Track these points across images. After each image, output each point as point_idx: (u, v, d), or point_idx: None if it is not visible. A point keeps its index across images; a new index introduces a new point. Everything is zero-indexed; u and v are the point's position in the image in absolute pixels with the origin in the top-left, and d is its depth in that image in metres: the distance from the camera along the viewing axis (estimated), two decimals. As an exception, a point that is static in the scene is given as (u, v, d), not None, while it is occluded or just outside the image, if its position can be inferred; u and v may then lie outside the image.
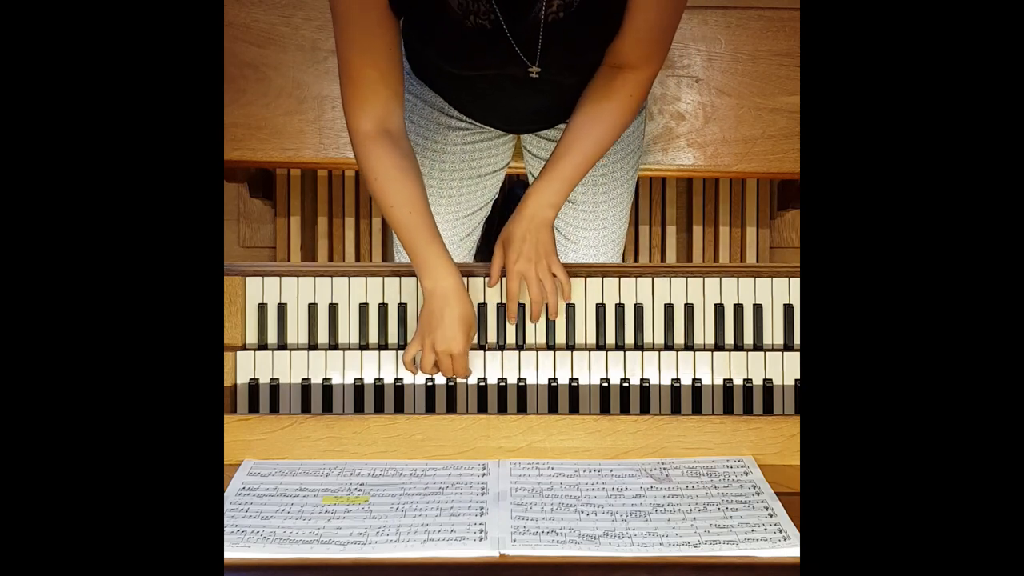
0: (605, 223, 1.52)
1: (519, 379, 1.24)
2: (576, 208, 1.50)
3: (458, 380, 1.24)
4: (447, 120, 1.41)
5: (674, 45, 1.32)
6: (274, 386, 1.24)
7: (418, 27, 1.18)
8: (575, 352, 1.25)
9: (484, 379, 1.24)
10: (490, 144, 1.46)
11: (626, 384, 1.24)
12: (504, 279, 1.26)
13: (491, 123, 1.43)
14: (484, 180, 1.49)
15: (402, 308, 1.27)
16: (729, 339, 1.27)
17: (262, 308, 1.27)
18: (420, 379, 1.24)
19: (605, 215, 1.51)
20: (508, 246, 1.25)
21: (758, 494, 1.02)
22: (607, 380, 1.24)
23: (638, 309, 1.27)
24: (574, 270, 1.28)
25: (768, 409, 1.23)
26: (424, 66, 1.37)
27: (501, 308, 1.28)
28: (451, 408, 1.24)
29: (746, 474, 1.08)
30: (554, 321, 1.27)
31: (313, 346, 1.27)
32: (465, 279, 1.25)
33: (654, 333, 1.28)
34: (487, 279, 1.27)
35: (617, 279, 1.28)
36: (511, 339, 1.28)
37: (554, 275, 1.25)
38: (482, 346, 1.26)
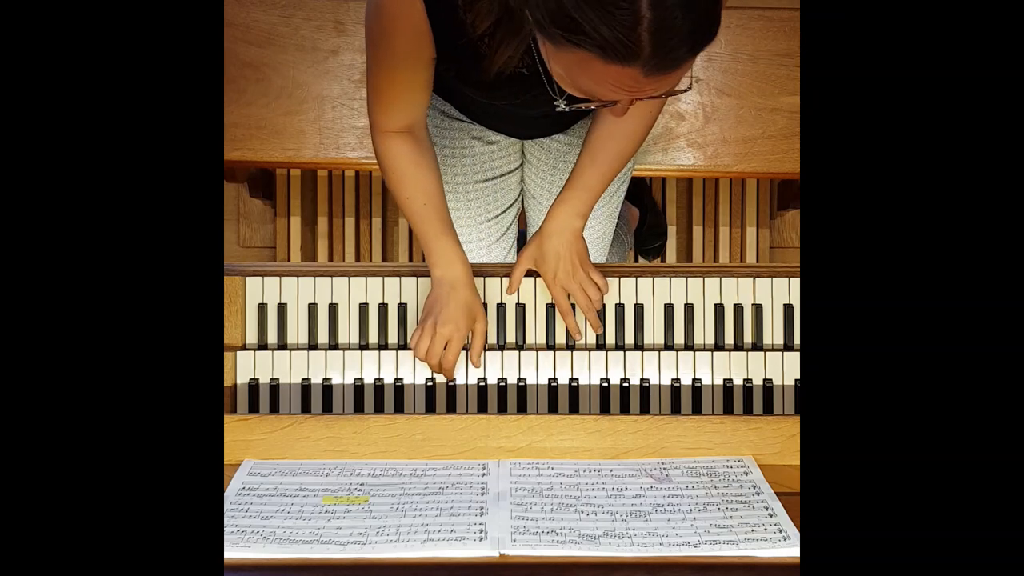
0: (594, 224, 1.52)
1: (519, 379, 1.24)
2: None
3: (458, 381, 1.24)
4: (461, 125, 1.41)
5: (674, 45, 1.33)
6: (274, 386, 1.24)
7: (454, 74, 1.17)
8: (575, 352, 1.25)
9: (484, 379, 1.24)
10: (502, 145, 1.47)
11: (626, 384, 1.24)
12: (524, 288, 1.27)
13: (501, 131, 1.43)
14: (502, 180, 1.50)
15: (402, 308, 1.27)
16: (729, 339, 1.27)
17: (262, 308, 1.27)
18: (420, 379, 1.24)
19: (594, 220, 1.52)
20: (543, 264, 1.25)
21: (758, 494, 1.02)
22: (607, 380, 1.24)
23: (638, 309, 1.27)
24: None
25: (768, 409, 1.23)
26: (440, 85, 1.36)
27: (501, 308, 1.28)
28: (451, 408, 1.24)
29: (746, 474, 1.08)
30: (554, 321, 1.27)
31: (313, 346, 1.27)
32: (496, 279, 1.28)
33: (654, 333, 1.28)
34: (506, 282, 1.27)
35: (617, 279, 1.28)
36: (511, 339, 1.28)
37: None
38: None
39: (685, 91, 0.98)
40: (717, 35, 0.87)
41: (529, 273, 1.28)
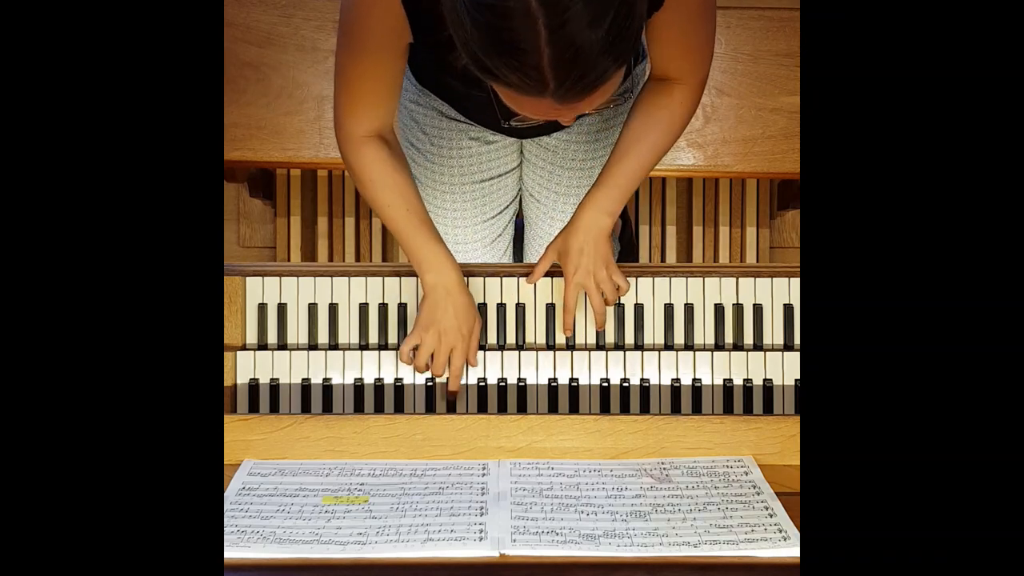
0: None
1: (519, 379, 1.24)
2: (556, 216, 1.50)
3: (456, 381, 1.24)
4: (458, 125, 1.41)
5: (674, 45, 1.34)
6: (274, 386, 1.24)
7: (431, 59, 1.18)
8: (575, 352, 1.25)
9: (484, 379, 1.24)
10: (500, 145, 1.47)
11: (626, 384, 1.24)
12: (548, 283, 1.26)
13: (492, 128, 1.43)
14: (500, 181, 1.49)
15: (402, 308, 1.27)
16: (729, 339, 1.27)
17: (262, 308, 1.27)
18: (420, 379, 1.24)
19: None
20: (565, 259, 1.24)
21: (758, 494, 1.02)
22: (607, 380, 1.24)
23: (638, 309, 1.27)
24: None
25: (768, 409, 1.23)
26: (430, 79, 1.37)
27: (501, 308, 1.28)
28: (451, 408, 1.24)
29: (746, 474, 1.08)
30: (554, 321, 1.27)
31: (313, 346, 1.27)
32: (496, 279, 1.27)
33: (654, 333, 1.28)
34: (506, 282, 1.27)
35: (617, 279, 1.28)
36: (511, 339, 1.28)
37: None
38: (482, 346, 1.26)
39: (626, 101, 0.99)
40: (638, 47, 0.88)
41: (527, 274, 1.28)
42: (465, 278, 1.24)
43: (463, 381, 1.24)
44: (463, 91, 1.29)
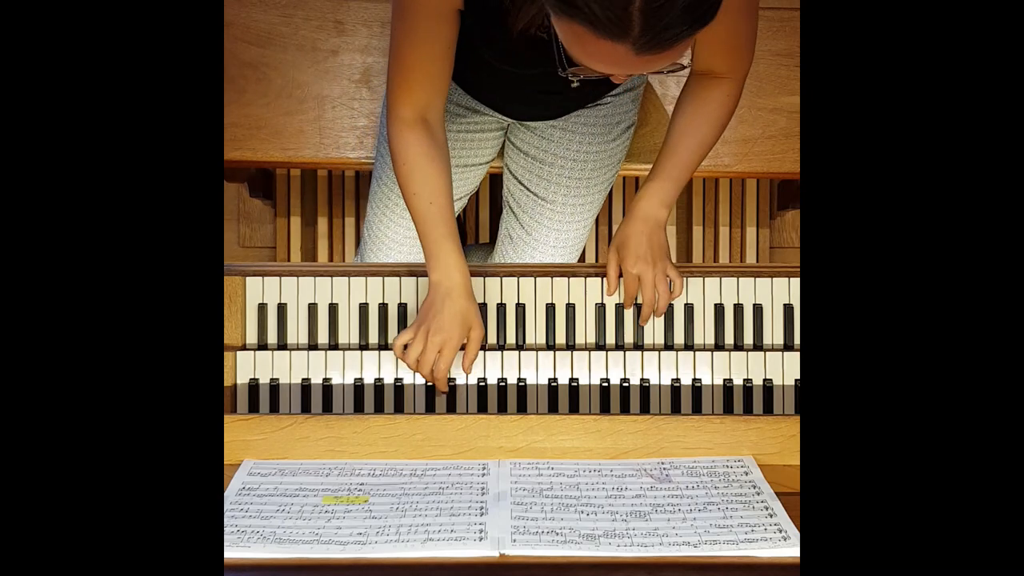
0: (572, 225, 1.52)
1: (519, 379, 1.24)
2: (545, 206, 1.50)
3: (458, 381, 1.24)
4: (448, 107, 1.41)
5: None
6: (274, 386, 1.24)
7: (477, 29, 1.17)
8: (575, 352, 1.25)
9: (484, 379, 1.24)
10: (482, 136, 1.46)
11: (626, 384, 1.24)
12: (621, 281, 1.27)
13: (501, 109, 1.42)
14: (469, 171, 1.50)
15: (402, 308, 1.27)
16: (729, 339, 1.27)
17: (262, 308, 1.27)
18: (420, 379, 1.24)
19: (573, 217, 1.51)
20: (624, 248, 1.25)
21: (758, 494, 1.02)
22: (607, 380, 1.24)
23: (638, 309, 1.27)
24: (574, 271, 1.29)
25: (768, 409, 1.23)
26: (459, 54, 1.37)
27: (501, 308, 1.28)
28: (451, 408, 1.24)
29: (746, 474, 1.08)
30: (554, 321, 1.27)
31: (313, 346, 1.27)
32: (496, 279, 1.27)
33: (654, 333, 1.28)
34: (506, 282, 1.27)
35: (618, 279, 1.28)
36: (511, 339, 1.28)
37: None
38: (482, 346, 1.26)
39: (683, 68, 0.99)
40: (716, 15, 0.87)
41: (527, 273, 1.28)
42: (480, 279, 1.23)
43: (463, 381, 1.24)
44: (496, 67, 1.27)
